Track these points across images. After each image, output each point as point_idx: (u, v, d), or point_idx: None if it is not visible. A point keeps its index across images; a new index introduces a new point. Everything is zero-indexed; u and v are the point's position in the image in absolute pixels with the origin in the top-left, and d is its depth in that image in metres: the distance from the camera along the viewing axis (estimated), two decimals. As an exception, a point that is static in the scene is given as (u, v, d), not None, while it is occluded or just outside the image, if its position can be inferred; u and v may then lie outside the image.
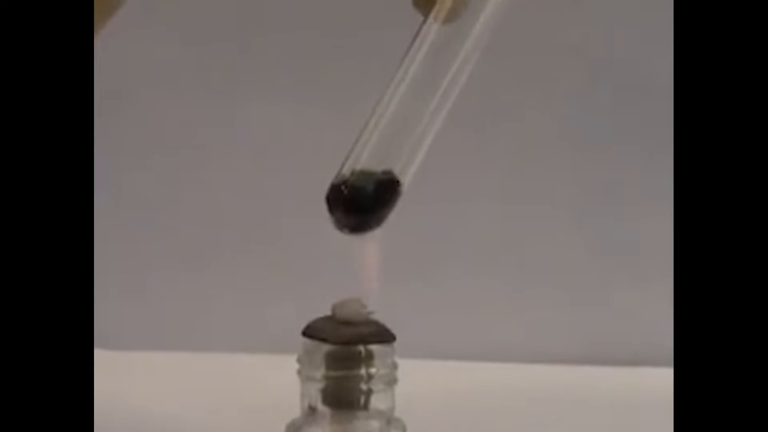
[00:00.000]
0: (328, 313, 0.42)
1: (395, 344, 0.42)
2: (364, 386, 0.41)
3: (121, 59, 0.68)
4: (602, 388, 0.71)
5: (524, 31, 0.71)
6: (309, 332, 0.41)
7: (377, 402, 0.41)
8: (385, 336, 0.41)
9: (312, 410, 0.41)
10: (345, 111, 0.73)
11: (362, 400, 0.41)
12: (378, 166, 0.36)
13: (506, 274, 0.75)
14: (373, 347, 0.41)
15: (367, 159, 0.36)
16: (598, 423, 0.65)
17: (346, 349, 0.41)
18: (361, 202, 0.35)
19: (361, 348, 0.41)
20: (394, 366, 0.41)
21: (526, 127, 0.74)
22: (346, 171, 0.36)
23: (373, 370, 0.41)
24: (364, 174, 0.36)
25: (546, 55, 0.73)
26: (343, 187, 0.34)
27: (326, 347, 0.41)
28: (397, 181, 0.37)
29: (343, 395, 0.41)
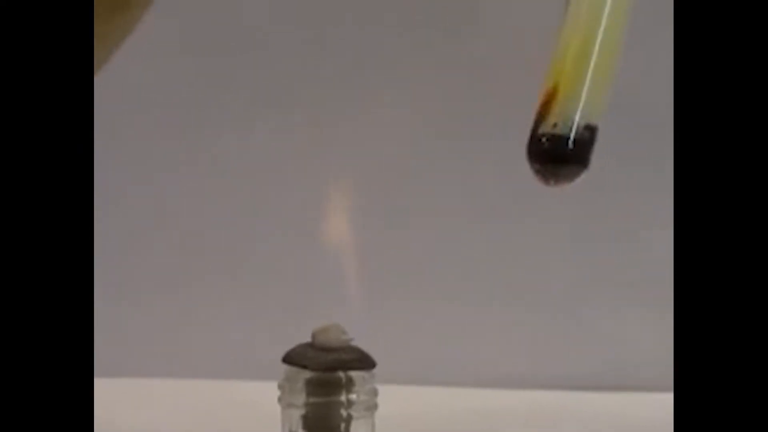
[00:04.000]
0: (308, 339, 0.42)
1: (376, 370, 0.42)
2: (344, 412, 0.41)
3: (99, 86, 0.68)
4: (589, 412, 0.71)
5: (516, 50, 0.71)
6: (289, 359, 0.41)
7: (357, 428, 0.41)
8: (365, 362, 0.42)
9: (293, 436, 0.41)
10: (323, 136, 0.74)
11: (343, 426, 0.41)
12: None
13: (490, 299, 0.76)
14: (354, 373, 0.41)
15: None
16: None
17: (327, 375, 0.41)
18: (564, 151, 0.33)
19: (342, 374, 0.41)
20: (375, 392, 0.42)
21: (514, 145, 0.74)
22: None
23: (353, 397, 0.41)
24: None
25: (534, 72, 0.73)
26: (543, 139, 0.33)
27: (307, 374, 0.41)
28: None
29: (323, 421, 0.41)
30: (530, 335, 0.75)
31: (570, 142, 0.33)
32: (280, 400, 0.41)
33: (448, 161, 0.74)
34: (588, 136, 0.33)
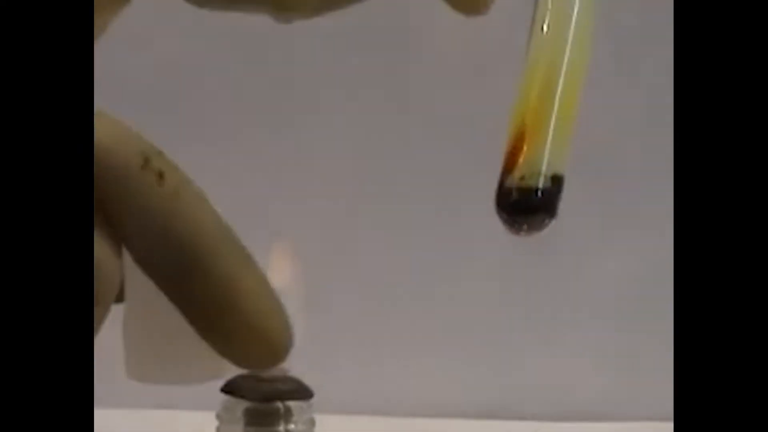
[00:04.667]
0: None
1: (313, 400, 0.42)
2: (282, 442, 0.41)
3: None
4: None
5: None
6: (227, 389, 0.41)
7: (296, 457, 0.42)
8: (303, 393, 0.42)
9: (231, 466, 0.41)
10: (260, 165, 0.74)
11: (281, 455, 0.41)
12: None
13: (427, 329, 0.76)
14: (291, 403, 0.42)
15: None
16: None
17: (265, 406, 0.41)
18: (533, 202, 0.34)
19: (280, 405, 0.41)
20: (312, 422, 0.42)
21: (451, 182, 0.75)
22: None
23: (291, 427, 0.41)
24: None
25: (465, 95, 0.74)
26: (511, 191, 0.33)
27: (245, 404, 0.41)
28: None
29: (262, 451, 0.41)
30: (464, 366, 0.76)
31: (538, 193, 0.33)
32: (218, 430, 0.41)
33: (384, 198, 0.75)
34: (555, 185, 0.33)
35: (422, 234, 0.76)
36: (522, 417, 0.75)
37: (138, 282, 0.31)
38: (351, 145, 0.74)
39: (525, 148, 0.34)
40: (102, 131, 0.31)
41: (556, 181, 0.34)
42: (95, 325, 0.31)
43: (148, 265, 0.31)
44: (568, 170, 0.34)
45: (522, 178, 0.34)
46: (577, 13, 0.34)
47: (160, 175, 0.31)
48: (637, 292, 0.77)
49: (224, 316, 0.31)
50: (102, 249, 0.30)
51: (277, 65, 0.73)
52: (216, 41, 0.72)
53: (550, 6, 0.35)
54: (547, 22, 0.35)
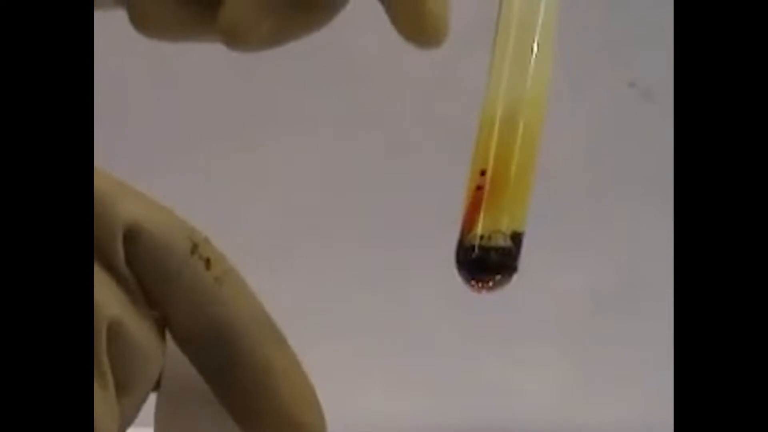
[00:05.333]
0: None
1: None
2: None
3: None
4: None
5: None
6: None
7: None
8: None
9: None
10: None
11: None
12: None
13: (376, 345, 0.77)
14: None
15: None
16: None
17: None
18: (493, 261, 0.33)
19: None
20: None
21: (403, 194, 0.76)
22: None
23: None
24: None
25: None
26: (472, 250, 0.33)
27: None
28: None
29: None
30: (415, 380, 0.77)
31: (498, 253, 0.33)
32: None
33: (338, 211, 0.76)
34: (515, 243, 0.33)
35: (372, 247, 0.76)
36: (474, 430, 0.76)
37: (176, 366, 0.32)
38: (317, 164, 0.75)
39: (484, 205, 0.33)
40: (149, 216, 0.31)
41: (516, 238, 0.33)
42: (134, 411, 0.32)
43: (189, 345, 0.32)
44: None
45: (481, 237, 0.33)
46: (534, 64, 0.34)
47: (208, 261, 0.32)
48: (587, 308, 0.78)
49: (260, 399, 0.32)
50: (147, 334, 0.31)
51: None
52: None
53: (506, 54, 0.34)
54: (504, 76, 0.34)
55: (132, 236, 0.31)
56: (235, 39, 0.33)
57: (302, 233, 0.76)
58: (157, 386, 0.33)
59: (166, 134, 0.74)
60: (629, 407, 0.76)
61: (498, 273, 0.33)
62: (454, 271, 0.35)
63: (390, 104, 0.74)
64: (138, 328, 0.31)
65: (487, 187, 0.33)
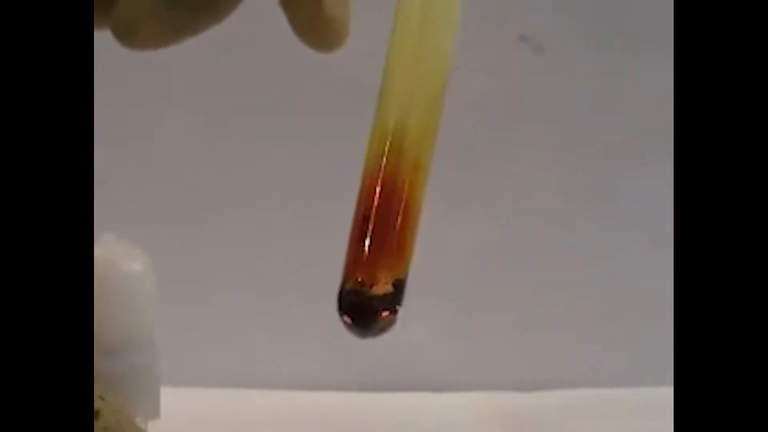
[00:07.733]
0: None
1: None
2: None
3: None
4: (372, 412, 0.74)
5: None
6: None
7: None
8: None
9: None
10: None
11: None
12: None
13: (286, 305, 0.78)
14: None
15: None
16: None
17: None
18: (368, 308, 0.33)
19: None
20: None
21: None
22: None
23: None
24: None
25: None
26: (351, 295, 0.32)
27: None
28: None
29: None
30: (320, 338, 0.77)
31: (379, 299, 0.32)
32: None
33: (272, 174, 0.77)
34: (397, 289, 0.33)
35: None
36: (372, 388, 0.77)
37: None
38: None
39: (366, 252, 0.33)
40: None
41: (398, 285, 0.33)
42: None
43: None
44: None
45: (362, 284, 0.33)
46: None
47: None
48: (480, 266, 0.80)
49: None
50: None
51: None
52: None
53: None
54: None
55: None
56: (127, 36, 0.33)
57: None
58: None
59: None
60: (515, 362, 0.78)
61: (378, 320, 0.33)
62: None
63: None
64: None
65: (370, 235, 0.33)
